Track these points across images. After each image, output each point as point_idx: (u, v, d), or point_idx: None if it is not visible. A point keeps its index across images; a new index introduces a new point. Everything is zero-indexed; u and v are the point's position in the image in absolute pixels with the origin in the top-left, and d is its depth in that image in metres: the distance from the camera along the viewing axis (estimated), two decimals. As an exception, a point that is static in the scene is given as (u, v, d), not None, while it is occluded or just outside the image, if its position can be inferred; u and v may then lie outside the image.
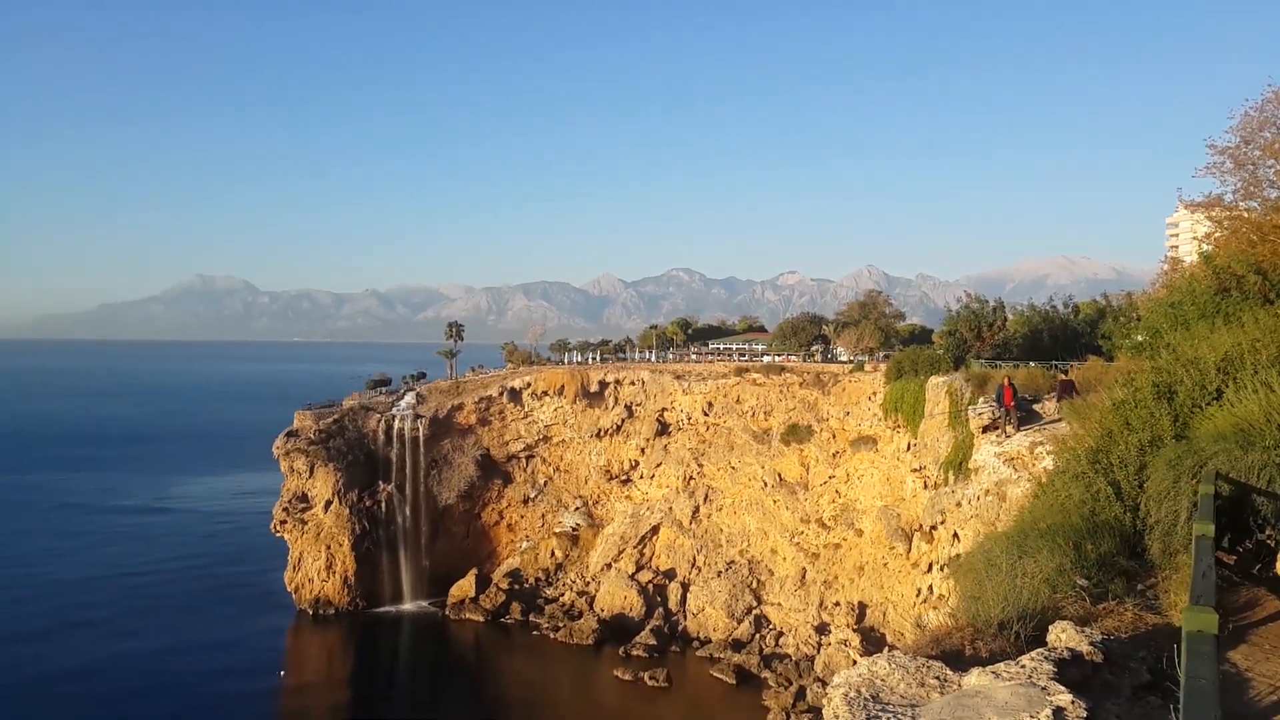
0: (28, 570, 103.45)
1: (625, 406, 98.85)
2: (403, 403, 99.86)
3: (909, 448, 63.74)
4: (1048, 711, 8.56)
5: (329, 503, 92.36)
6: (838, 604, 76.58)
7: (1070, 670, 9.77)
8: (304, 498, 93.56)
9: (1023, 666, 9.70)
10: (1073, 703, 8.71)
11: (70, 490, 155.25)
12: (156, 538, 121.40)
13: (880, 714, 9.29)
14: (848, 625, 72.74)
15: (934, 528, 45.10)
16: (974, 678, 9.79)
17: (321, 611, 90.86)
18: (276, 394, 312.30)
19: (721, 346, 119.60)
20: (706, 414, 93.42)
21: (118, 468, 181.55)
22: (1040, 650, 10.10)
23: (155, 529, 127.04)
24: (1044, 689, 9.06)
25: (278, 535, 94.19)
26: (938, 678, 10.07)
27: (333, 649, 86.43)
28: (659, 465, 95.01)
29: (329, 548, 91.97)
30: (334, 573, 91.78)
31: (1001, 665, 9.88)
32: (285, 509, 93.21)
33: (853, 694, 9.81)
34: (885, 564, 72.38)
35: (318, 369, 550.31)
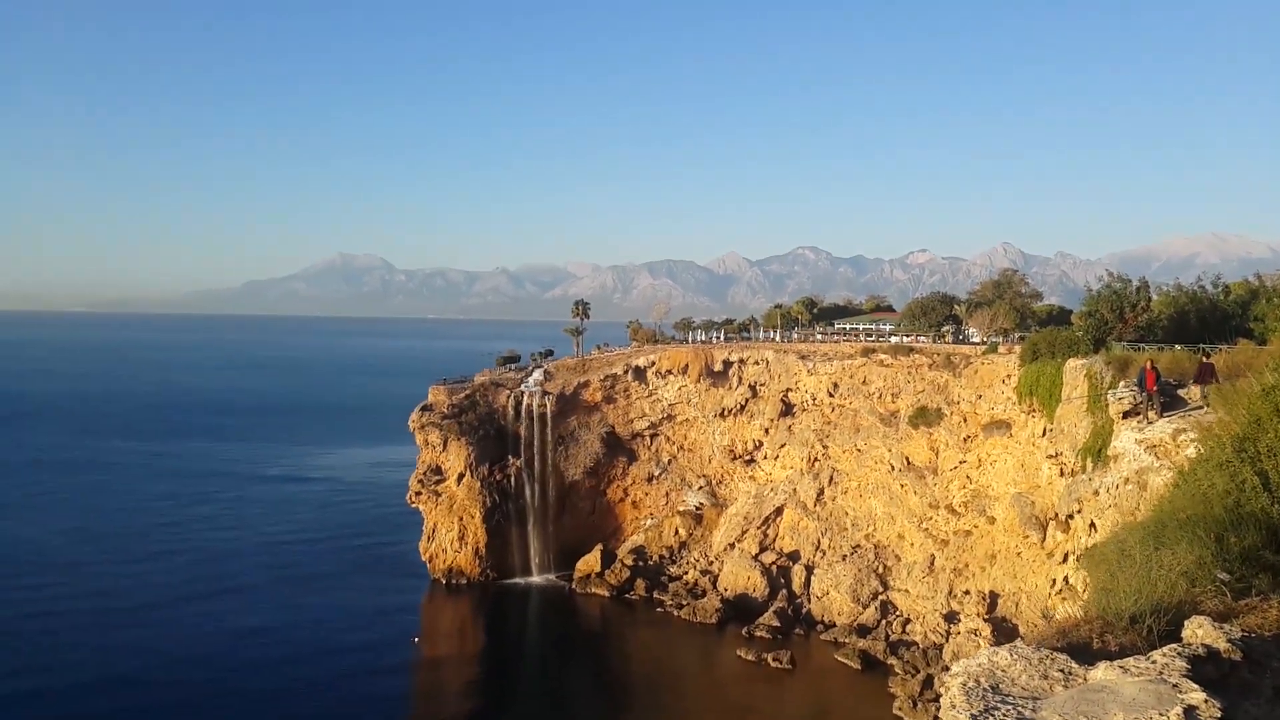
0: (179, 535, 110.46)
1: (749, 386, 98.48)
2: (531, 379, 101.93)
3: (1044, 433, 61.63)
4: (1178, 710, 8.26)
5: (461, 475, 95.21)
6: (968, 592, 74.85)
7: (1205, 668, 9.39)
8: (438, 470, 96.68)
9: (1153, 662, 9.38)
10: (1206, 702, 8.38)
11: (217, 458, 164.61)
12: (298, 506, 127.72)
13: (999, 705, 9.14)
14: (978, 615, 71.05)
15: (1070, 517, 43.50)
16: (1100, 672, 9.52)
17: (454, 581, 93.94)
18: (412, 369, 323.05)
19: (848, 326, 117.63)
20: (832, 395, 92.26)
21: (261, 438, 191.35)
22: (1173, 646, 9.74)
23: (297, 498, 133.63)
24: (1175, 686, 8.75)
25: (413, 506, 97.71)
26: (1061, 670, 9.83)
27: (464, 618, 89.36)
28: (783, 446, 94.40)
29: (461, 519, 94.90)
30: (466, 544, 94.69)
31: (1130, 660, 9.58)
32: (420, 481, 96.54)
33: (971, 684, 9.68)
34: (1019, 553, 70.36)
35: (450, 345, 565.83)
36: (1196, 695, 8.50)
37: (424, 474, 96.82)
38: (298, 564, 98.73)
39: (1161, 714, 8.17)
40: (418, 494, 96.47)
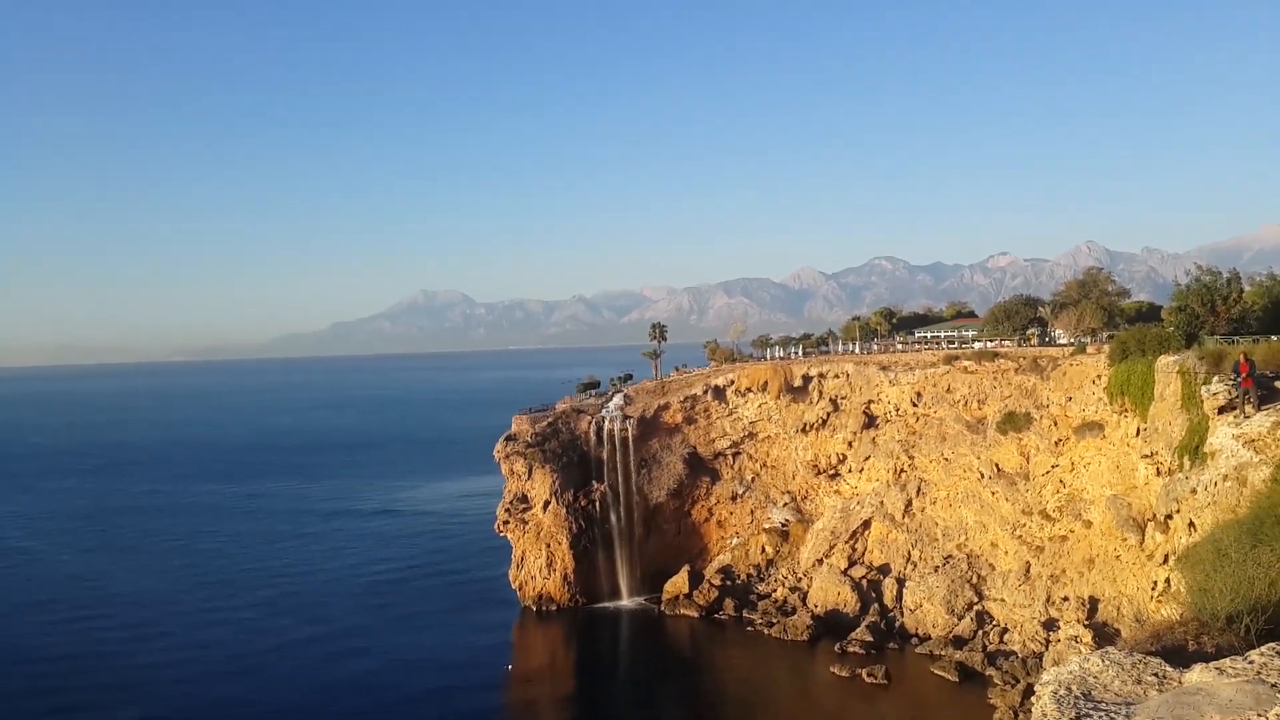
0: (272, 572, 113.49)
1: (830, 400, 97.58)
2: (611, 404, 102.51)
3: (1138, 432, 59.83)
4: (1278, 710, 8.05)
5: (547, 503, 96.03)
6: (1066, 599, 72.78)
7: (1307, 667, 9.11)
8: (524, 498, 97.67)
9: (1251, 662, 9.15)
10: (1306, 701, 8.17)
11: (309, 497, 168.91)
12: (390, 540, 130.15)
13: (1091, 712, 9.01)
14: (1078, 621, 69.01)
15: (1169, 517, 42.13)
16: (1196, 674, 9.32)
17: (544, 608, 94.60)
18: (494, 400, 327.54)
19: (929, 335, 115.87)
20: (915, 405, 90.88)
21: (352, 475, 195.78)
22: (1272, 645, 9.49)
23: (388, 532, 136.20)
24: (1274, 686, 8.52)
25: (501, 535, 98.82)
26: (1155, 674, 9.64)
27: (555, 643, 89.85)
28: (867, 458, 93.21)
29: (549, 546, 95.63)
30: (554, 570, 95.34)
31: (1227, 661, 9.36)
32: (507, 509, 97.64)
33: (1062, 691, 9.55)
34: (1117, 556, 68.27)
35: (531, 375, 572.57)
36: (1297, 695, 8.27)
37: (510, 503, 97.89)
38: (391, 598, 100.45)
39: (1260, 715, 7.98)
40: (505, 523, 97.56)
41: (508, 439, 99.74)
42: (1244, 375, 29.98)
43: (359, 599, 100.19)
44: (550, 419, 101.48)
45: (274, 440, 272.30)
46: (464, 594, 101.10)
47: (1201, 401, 34.93)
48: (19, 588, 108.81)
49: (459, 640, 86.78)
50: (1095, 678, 10.06)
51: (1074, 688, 10.00)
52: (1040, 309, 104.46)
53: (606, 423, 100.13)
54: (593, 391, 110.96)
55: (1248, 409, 29.38)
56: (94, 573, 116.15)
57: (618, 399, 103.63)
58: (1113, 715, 9.16)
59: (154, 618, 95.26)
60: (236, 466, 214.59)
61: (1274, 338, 46.30)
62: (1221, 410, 31.31)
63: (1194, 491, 32.81)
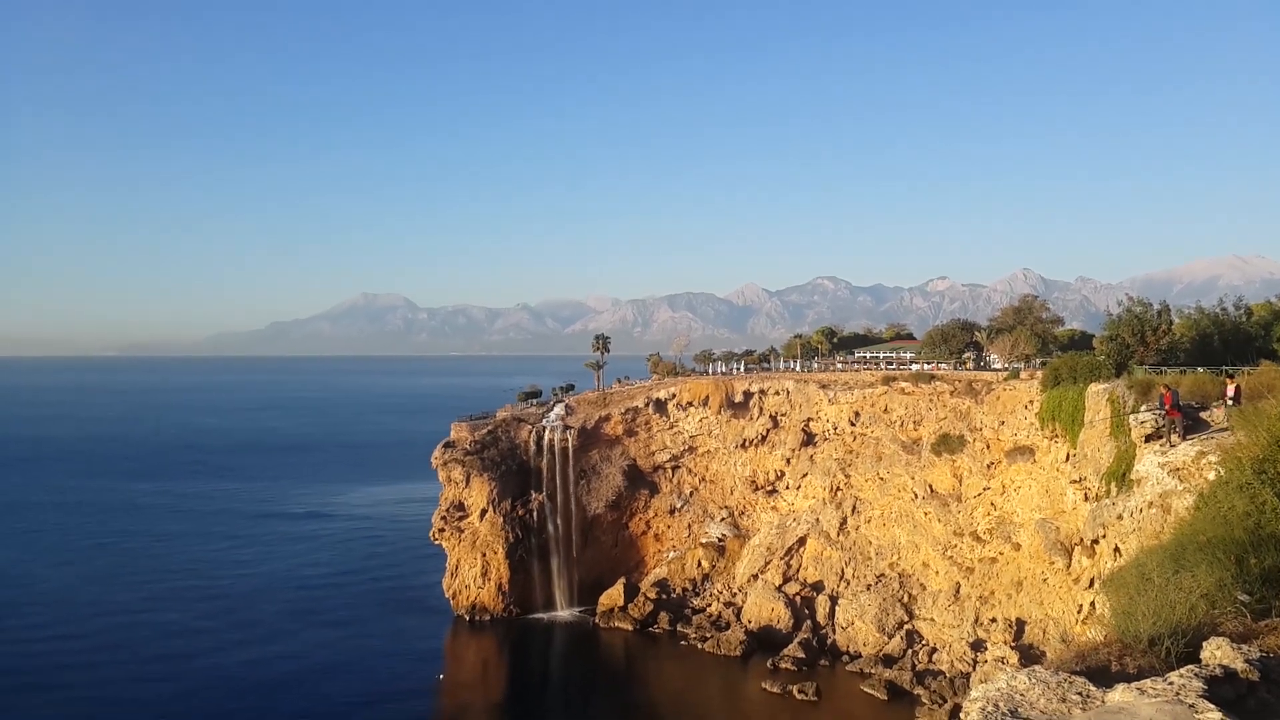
0: (199, 574, 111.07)
1: (770, 417, 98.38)
2: (553, 414, 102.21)
3: (1068, 458, 61.22)
4: (1195, 730, 8.31)
5: (484, 511, 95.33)
6: (994, 620, 74.07)
7: (1223, 689, 9.42)
8: (461, 506, 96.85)
9: (1170, 684, 9.43)
10: (1222, 721, 8.44)
11: (241, 498, 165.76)
12: (321, 544, 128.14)
13: (1018, 728, 9.20)
14: (1005, 642, 70.22)
15: (1095, 541, 43.15)
16: (1118, 694, 9.57)
17: (478, 617, 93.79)
18: (434, 406, 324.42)
19: (868, 355, 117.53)
20: (853, 424, 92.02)
21: (286, 477, 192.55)
22: (1191, 667, 9.78)
23: (321, 535, 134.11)
24: (1191, 706, 8.79)
25: (436, 543, 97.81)
26: (1080, 693, 9.88)
27: (488, 653, 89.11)
28: (805, 476, 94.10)
29: (484, 555, 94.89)
30: (489, 580, 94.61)
31: (1148, 682, 9.62)
32: (443, 517, 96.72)
33: (990, 708, 9.74)
34: (1045, 579, 69.63)
35: (472, 382, 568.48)
36: (1213, 715, 8.55)
37: (447, 510, 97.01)
38: (321, 602, 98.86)
39: (1178, 734, 8.22)
40: (441, 530, 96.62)
41: (446, 446, 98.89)
42: (1169, 406, 30.84)
43: (289, 603, 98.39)
44: (490, 427, 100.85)
45: (205, 440, 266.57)
46: (396, 601, 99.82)
47: (1129, 429, 35.87)
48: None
49: (390, 648, 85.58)
50: (1022, 695, 10.28)
51: (1001, 705, 10.20)
52: (976, 333, 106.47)
53: (547, 432, 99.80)
54: (534, 400, 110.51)
55: (1174, 438, 30.23)
56: (12, 568, 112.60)
57: (559, 409, 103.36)
58: (1038, 732, 9.33)
59: (75, 616, 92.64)
60: (165, 466, 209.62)
61: (1201, 369, 47.72)
62: (1149, 438, 32.17)
63: (1120, 517, 33.66)
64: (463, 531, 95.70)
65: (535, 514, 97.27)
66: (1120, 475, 39.15)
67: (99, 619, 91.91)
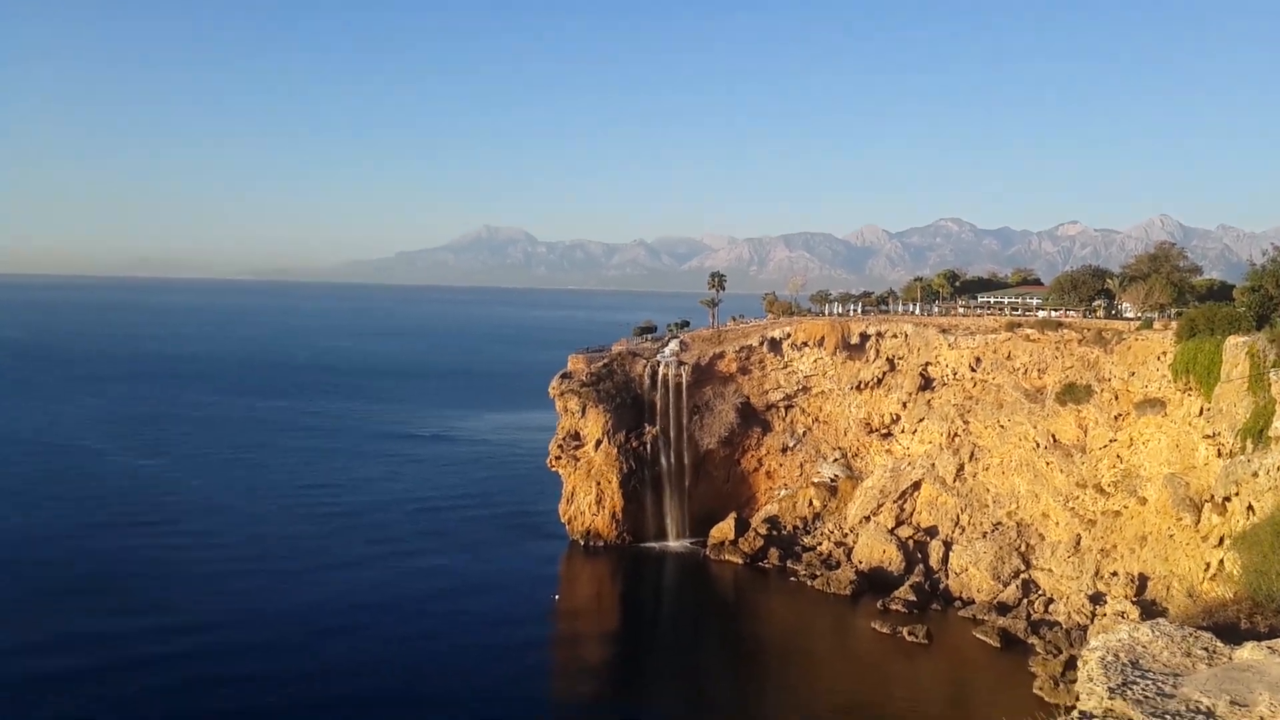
0: (330, 489, 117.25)
1: (887, 360, 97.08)
2: (667, 350, 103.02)
3: (1201, 412, 59.01)
4: (1323, 691, 8.33)
5: (599, 442, 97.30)
6: (1115, 574, 72.43)
7: (1356, 652, 9.34)
8: (576, 436, 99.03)
9: (1301, 644, 9.40)
10: (1352, 683, 8.44)
11: (371, 419, 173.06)
12: (445, 466, 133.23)
13: (1138, 680, 9.37)
14: (1125, 596, 68.69)
15: (1227, 499, 41.72)
16: (1247, 651, 9.62)
17: (591, 544, 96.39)
18: (552, 338, 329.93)
19: (992, 300, 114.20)
20: (974, 370, 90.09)
21: (410, 400, 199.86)
22: (1323, 629, 9.72)
23: (443, 457, 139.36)
24: (1322, 668, 8.78)
25: (552, 470, 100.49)
26: (1205, 649, 9.95)
27: (602, 579, 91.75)
28: (921, 420, 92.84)
29: (599, 484, 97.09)
30: (603, 508, 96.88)
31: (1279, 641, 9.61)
32: (560, 445, 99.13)
33: (1110, 658, 9.92)
34: (1171, 535, 67.64)
35: (589, 316, 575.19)
36: (1344, 678, 8.53)
37: (563, 439, 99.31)
38: (444, 523, 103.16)
39: (1306, 693, 8.27)
40: (557, 458, 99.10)
41: (563, 377, 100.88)
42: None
43: (414, 523, 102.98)
44: (606, 360, 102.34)
45: (336, 362, 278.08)
46: (515, 525, 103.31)
47: (1270, 384, 34.47)
48: (83, 486, 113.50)
49: (509, 570, 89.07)
50: (1144, 647, 10.37)
51: (1122, 655, 10.32)
52: (1108, 281, 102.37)
53: (661, 367, 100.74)
54: (649, 336, 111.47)
55: (1320, 396, 28.94)
56: (162, 475, 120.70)
57: (674, 344, 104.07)
58: (1160, 685, 9.45)
59: (220, 525, 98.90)
60: (299, 386, 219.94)
61: (1353, 324, 45.18)
62: (1292, 396, 30.87)
63: (1255, 475, 32.54)
64: (578, 460, 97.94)
65: (648, 447, 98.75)
66: (1257, 432, 37.72)
67: (241, 528, 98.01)
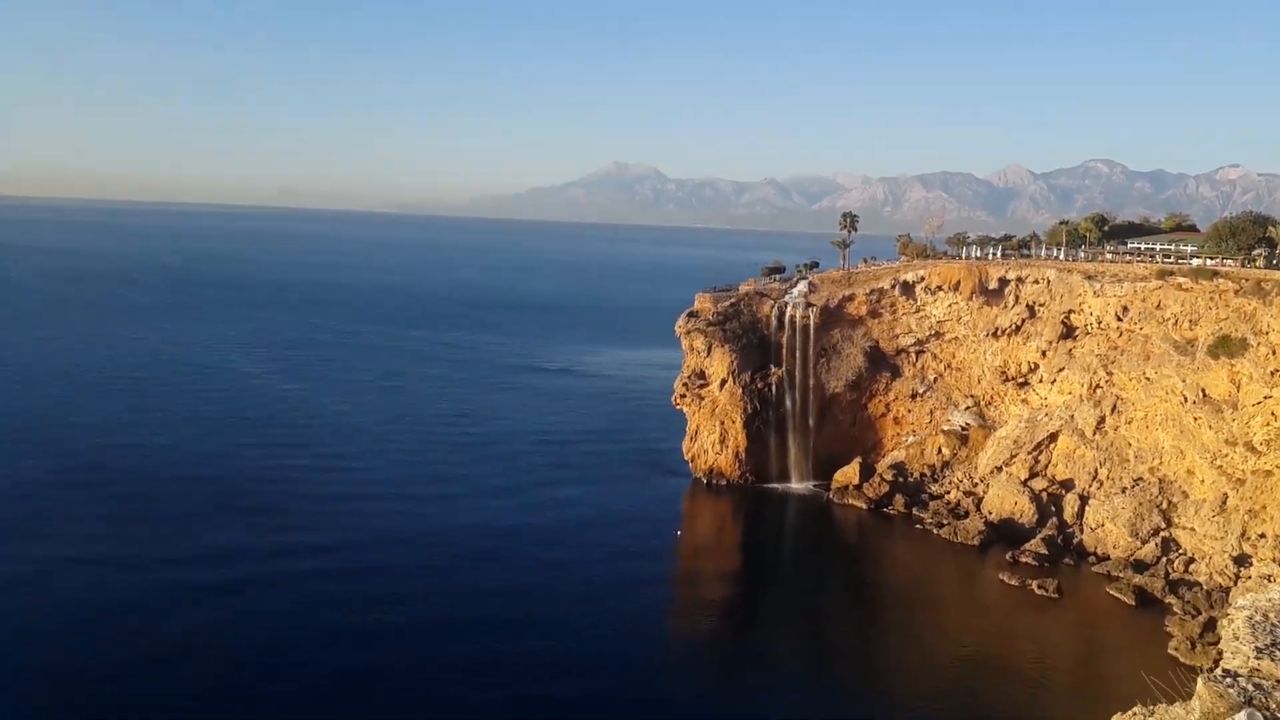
0: (464, 418, 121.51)
1: (1026, 306, 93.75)
2: (795, 291, 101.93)
3: (1373, 370, 55.16)
4: None
5: (724, 381, 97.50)
6: (1263, 536, 69.07)
7: None
8: (701, 375, 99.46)
9: None
10: None
11: (499, 350, 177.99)
12: (572, 400, 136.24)
13: (1288, 639, 9.08)
14: (1274, 560, 65.59)
15: (1396, 464, 39.18)
16: (1407, 618, 9.20)
17: (715, 482, 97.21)
18: (680, 276, 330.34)
19: (1143, 246, 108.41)
20: (1120, 319, 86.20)
21: (539, 333, 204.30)
22: None
23: (571, 391, 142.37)
24: None
25: (677, 408, 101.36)
26: (1363, 613, 9.55)
27: (724, 518, 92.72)
28: (1061, 370, 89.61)
29: (723, 423, 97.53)
30: (727, 447, 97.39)
31: None
32: (685, 384, 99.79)
33: (1258, 618, 9.65)
34: (1328, 499, 63.98)
35: (717, 254, 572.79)
36: None
37: (688, 377, 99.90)
38: (571, 457, 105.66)
39: None
40: (682, 396, 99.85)
41: (690, 315, 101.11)
42: None
43: (543, 455, 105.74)
44: (733, 300, 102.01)
45: (469, 295, 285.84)
46: (639, 461, 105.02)
47: None
48: (232, 407, 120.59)
49: (633, 504, 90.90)
50: (1296, 610, 10.05)
51: (1271, 615, 10.07)
52: (1271, 229, 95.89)
53: (789, 309, 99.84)
54: (777, 276, 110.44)
55: None
56: (303, 401, 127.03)
57: (802, 286, 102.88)
58: (1310, 647, 9.18)
59: (360, 450, 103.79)
60: (433, 316, 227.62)
61: None
62: None
63: None
64: (703, 399, 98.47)
65: (774, 388, 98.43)
66: None
67: (381, 455, 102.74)
